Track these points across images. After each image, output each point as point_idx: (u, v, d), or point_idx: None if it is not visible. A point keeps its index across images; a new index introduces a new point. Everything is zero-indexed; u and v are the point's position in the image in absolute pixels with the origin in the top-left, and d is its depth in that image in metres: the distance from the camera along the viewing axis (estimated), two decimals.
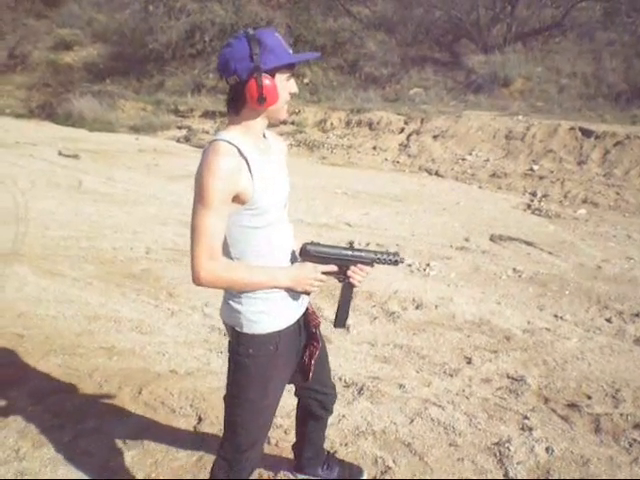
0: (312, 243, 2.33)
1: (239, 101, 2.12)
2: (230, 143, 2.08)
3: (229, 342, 2.36)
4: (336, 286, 5.65)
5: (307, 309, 2.50)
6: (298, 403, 2.86)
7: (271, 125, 2.28)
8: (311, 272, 2.29)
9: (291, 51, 2.16)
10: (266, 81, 2.06)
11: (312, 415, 2.83)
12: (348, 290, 2.42)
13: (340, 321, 2.47)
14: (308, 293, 2.35)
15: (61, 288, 5.65)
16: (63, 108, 19.01)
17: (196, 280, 2.11)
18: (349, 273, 2.35)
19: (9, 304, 5.23)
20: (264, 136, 2.30)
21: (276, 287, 2.24)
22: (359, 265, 2.35)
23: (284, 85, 2.15)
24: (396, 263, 2.41)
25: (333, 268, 2.33)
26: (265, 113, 2.17)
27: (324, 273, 2.32)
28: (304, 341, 2.50)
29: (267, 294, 2.25)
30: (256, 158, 2.15)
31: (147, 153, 13.83)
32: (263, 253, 2.24)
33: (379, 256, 2.38)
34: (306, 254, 2.30)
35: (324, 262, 2.31)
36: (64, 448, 3.35)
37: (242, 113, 2.15)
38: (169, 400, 3.82)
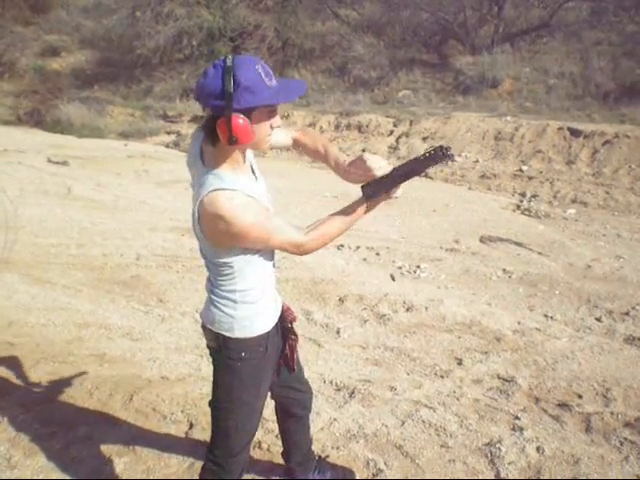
0: (368, 185, 2.33)
1: (215, 134, 2.02)
2: (233, 190, 2.04)
3: (212, 348, 2.37)
4: (325, 290, 5.63)
5: (282, 306, 2.54)
6: (276, 407, 2.86)
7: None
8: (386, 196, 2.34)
9: (275, 82, 2.01)
10: (239, 120, 1.94)
11: (293, 416, 2.84)
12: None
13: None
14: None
15: (51, 296, 5.62)
16: (51, 115, 18.98)
17: (304, 252, 2.25)
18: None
19: None
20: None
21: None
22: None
23: (264, 122, 2.04)
24: (447, 158, 2.26)
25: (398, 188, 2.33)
26: (243, 146, 2.09)
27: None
28: (281, 337, 2.54)
29: (259, 296, 2.30)
30: (255, 189, 2.16)
31: (136, 159, 13.79)
32: (264, 272, 2.32)
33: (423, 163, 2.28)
34: (368, 199, 2.34)
35: (389, 188, 2.32)
36: (55, 456, 3.34)
37: (219, 145, 2.06)
38: (160, 406, 3.81)
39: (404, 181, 2.28)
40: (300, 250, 2.22)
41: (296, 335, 2.59)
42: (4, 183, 10.46)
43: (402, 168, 2.27)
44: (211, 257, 2.22)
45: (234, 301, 2.26)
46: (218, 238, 2.10)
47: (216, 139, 2.03)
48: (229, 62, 1.93)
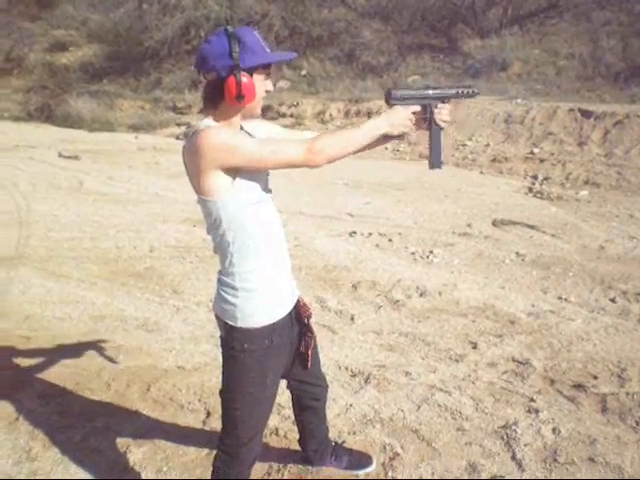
0: (396, 88, 2.41)
1: (217, 97, 2.14)
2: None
3: (221, 337, 2.38)
4: (339, 277, 5.64)
5: (298, 301, 2.52)
6: (292, 398, 2.87)
7: (247, 120, 2.31)
8: (403, 113, 2.31)
9: (269, 50, 2.16)
10: (244, 79, 2.08)
11: (307, 408, 2.85)
12: (437, 133, 2.43)
13: (435, 162, 2.48)
14: (402, 136, 2.39)
15: (66, 289, 5.66)
16: (61, 110, 19.06)
17: (313, 160, 2.13)
18: (435, 113, 2.37)
19: (15, 307, 5.25)
20: (241, 128, 2.31)
21: (376, 134, 2.27)
22: (439, 105, 2.38)
23: (261, 83, 2.18)
24: (473, 95, 2.45)
25: (418, 108, 2.35)
26: (242, 110, 2.20)
27: (412, 113, 2.34)
28: (297, 332, 2.53)
29: (259, 283, 2.28)
30: None
31: (147, 151, 13.85)
32: (260, 224, 2.24)
33: (457, 90, 2.42)
34: (393, 98, 2.34)
35: (409, 104, 2.34)
36: (74, 447, 3.36)
37: (219, 108, 2.18)
38: (177, 396, 3.84)
39: (432, 99, 2.37)
40: (313, 150, 2.12)
41: (312, 332, 2.59)
42: (16, 179, 10.54)
43: (433, 88, 2.41)
44: (202, 208, 2.23)
45: (234, 287, 2.27)
46: (199, 170, 2.14)
47: (218, 101, 2.16)
48: (231, 29, 2.10)
